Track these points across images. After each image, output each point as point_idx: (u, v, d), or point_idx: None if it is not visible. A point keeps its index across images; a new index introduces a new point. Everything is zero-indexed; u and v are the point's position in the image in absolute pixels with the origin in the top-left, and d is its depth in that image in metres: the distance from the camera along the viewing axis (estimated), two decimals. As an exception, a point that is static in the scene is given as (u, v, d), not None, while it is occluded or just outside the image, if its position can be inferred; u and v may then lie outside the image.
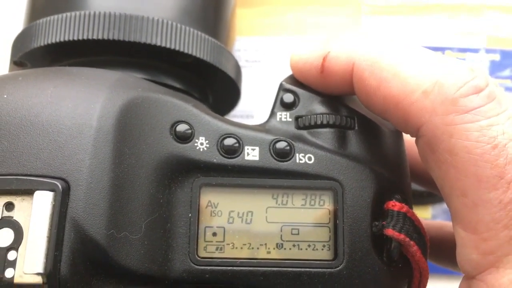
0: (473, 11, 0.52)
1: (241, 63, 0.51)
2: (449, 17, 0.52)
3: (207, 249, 0.26)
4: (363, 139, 0.28)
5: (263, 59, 0.51)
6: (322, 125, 0.28)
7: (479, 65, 0.51)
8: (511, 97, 0.25)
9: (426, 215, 0.49)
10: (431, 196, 0.47)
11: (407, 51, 0.26)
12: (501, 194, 0.23)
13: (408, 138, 0.29)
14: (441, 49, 0.51)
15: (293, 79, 0.30)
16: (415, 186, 0.43)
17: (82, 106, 0.24)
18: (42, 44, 0.30)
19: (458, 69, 0.24)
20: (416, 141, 0.26)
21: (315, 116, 0.28)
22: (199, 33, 0.32)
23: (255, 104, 0.50)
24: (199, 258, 0.25)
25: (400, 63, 0.25)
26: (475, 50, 0.51)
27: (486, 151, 0.23)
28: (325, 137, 0.27)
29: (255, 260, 0.26)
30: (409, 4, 0.53)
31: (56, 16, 0.30)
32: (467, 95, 0.24)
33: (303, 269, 0.26)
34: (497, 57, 0.51)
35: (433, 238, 0.35)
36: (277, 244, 0.26)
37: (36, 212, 0.22)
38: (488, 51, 0.51)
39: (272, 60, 0.51)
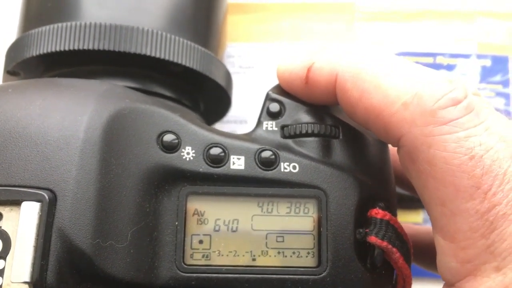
0: (464, 17, 0.53)
1: (235, 69, 0.51)
2: (441, 24, 0.53)
3: (194, 257, 0.26)
4: (348, 148, 0.28)
5: (257, 65, 0.52)
6: (307, 134, 0.28)
7: (469, 70, 0.51)
8: (490, 109, 0.25)
9: (417, 219, 0.50)
10: (423, 200, 0.48)
11: (389, 63, 0.26)
12: (478, 204, 0.23)
13: (392, 147, 0.29)
14: (433, 55, 0.52)
15: (279, 89, 0.30)
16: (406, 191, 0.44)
17: (70, 118, 0.25)
18: (34, 54, 0.31)
19: (437, 81, 0.25)
20: (398, 151, 0.27)
21: (300, 125, 0.28)
22: (189, 42, 0.33)
23: (248, 110, 0.50)
24: (185, 266, 0.26)
25: (381, 75, 0.26)
26: (467, 56, 0.52)
27: (463, 161, 0.23)
28: (310, 146, 0.28)
29: (240, 267, 0.26)
30: (402, 11, 0.53)
31: (48, 27, 0.31)
32: (445, 107, 0.24)
33: (287, 276, 0.26)
34: (488, 62, 0.51)
35: (421, 243, 0.35)
36: (262, 251, 0.27)
37: (23, 222, 0.22)
38: (479, 56, 0.51)
39: (266, 66, 0.52)
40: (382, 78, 0.26)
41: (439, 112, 0.24)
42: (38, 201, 0.23)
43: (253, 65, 0.52)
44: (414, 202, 0.48)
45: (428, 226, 0.44)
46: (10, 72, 0.34)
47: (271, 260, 0.27)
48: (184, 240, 0.26)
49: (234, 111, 0.49)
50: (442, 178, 0.24)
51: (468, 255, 0.24)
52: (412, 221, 0.49)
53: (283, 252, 0.27)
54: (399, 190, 0.44)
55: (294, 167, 0.27)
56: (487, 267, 0.23)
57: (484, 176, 0.23)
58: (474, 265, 0.24)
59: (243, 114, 0.50)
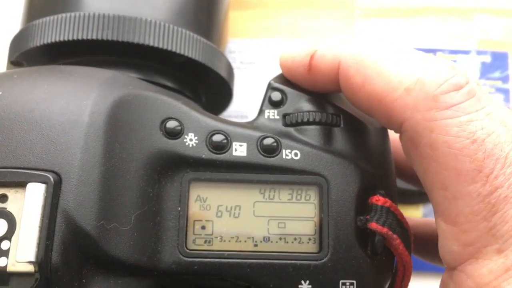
0: (464, 14, 0.53)
1: (236, 65, 0.52)
2: (441, 20, 0.53)
3: (196, 242, 0.26)
4: (349, 136, 0.29)
5: (258, 60, 0.52)
6: (308, 122, 0.28)
7: (469, 66, 0.52)
8: (490, 97, 0.26)
9: (417, 214, 0.50)
10: (423, 195, 0.48)
11: (391, 50, 0.26)
12: (479, 187, 0.23)
13: (393, 137, 0.30)
14: (433, 51, 0.52)
15: (281, 78, 0.30)
16: (406, 186, 0.44)
17: (75, 102, 0.25)
18: (38, 44, 0.31)
19: (439, 67, 0.25)
20: (400, 137, 0.27)
21: (302, 113, 0.28)
22: (192, 34, 0.33)
23: (249, 105, 0.51)
24: (188, 250, 0.26)
25: (384, 61, 0.26)
26: (466, 52, 0.52)
27: (465, 145, 0.24)
28: (312, 134, 0.28)
29: (242, 253, 0.26)
30: (401, 7, 0.54)
31: (52, 17, 0.31)
32: (447, 92, 0.24)
33: (289, 261, 0.26)
34: (488, 58, 0.52)
35: (422, 235, 0.35)
36: (264, 237, 0.27)
37: (28, 203, 0.23)
38: (479, 52, 0.52)
39: (266, 61, 0.52)
40: (385, 64, 0.26)
41: (441, 97, 0.24)
42: (43, 182, 0.23)
43: (254, 60, 0.52)
44: (414, 197, 0.49)
45: (428, 218, 0.44)
46: (14, 62, 0.34)
47: (272, 245, 0.27)
48: (186, 225, 0.26)
49: (235, 106, 0.49)
50: (444, 162, 0.24)
51: (469, 238, 0.24)
52: (412, 216, 0.50)
53: (284, 238, 0.27)
54: (400, 184, 0.45)
55: (295, 154, 0.28)
56: (488, 249, 0.24)
57: (486, 160, 0.23)
58: (475, 248, 0.24)
59: (244, 109, 0.51)
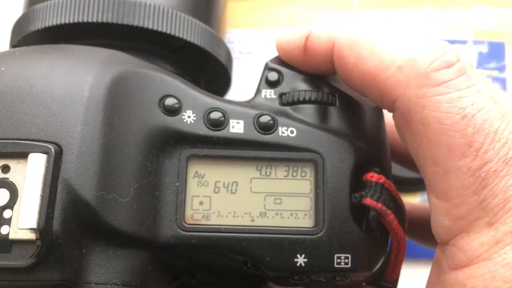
0: (461, 4, 0.54)
1: (235, 55, 0.52)
2: (438, 11, 0.54)
3: (194, 217, 0.27)
4: (344, 114, 0.29)
5: (256, 51, 0.53)
6: (304, 101, 0.29)
7: (466, 56, 0.52)
8: (481, 76, 0.26)
9: (415, 201, 0.50)
10: (420, 183, 0.48)
11: (384, 30, 0.27)
12: (470, 162, 0.24)
13: (390, 122, 0.30)
14: (430, 41, 0.52)
15: (278, 60, 0.31)
16: (404, 173, 0.44)
17: (75, 77, 0.26)
18: (39, 28, 0.32)
19: (430, 45, 0.26)
20: (393, 116, 0.27)
21: (298, 92, 0.29)
22: (191, 18, 0.33)
23: (248, 94, 0.51)
24: (186, 225, 0.27)
25: (377, 40, 0.27)
26: (463, 42, 0.52)
27: (456, 121, 0.24)
28: (307, 112, 0.29)
29: (239, 227, 0.27)
30: (399, -2, 0.54)
31: (53, 1, 0.32)
32: (438, 69, 0.25)
33: (285, 236, 0.27)
34: (484, 48, 0.52)
35: (419, 219, 0.36)
36: (260, 212, 0.27)
37: (30, 172, 0.23)
38: (476, 42, 0.52)
39: (265, 52, 0.52)
40: (378, 43, 0.26)
41: (432, 74, 0.25)
42: (44, 153, 0.24)
43: (253, 50, 0.53)
44: (411, 185, 0.49)
45: (425, 203, 0.45)
46: (16, 46, 0.35)
47: (269, 221, 0.27)
48: (185, 201, 0.27)
49: (233, 96, 0.49)
50: (435, 137, 0.25)
51: (460, 212, 0.24)
52: (409, 203, 0.50)
53: (280, 214, 0.27)
54: (398, 172, 0.45)
55: (291, 132, 0.28)
56: (479, 223, 0.24)
57: (476, 135, 0.24)
58: (466, 221, 0.24)
59: (243, 98, 0.51)
